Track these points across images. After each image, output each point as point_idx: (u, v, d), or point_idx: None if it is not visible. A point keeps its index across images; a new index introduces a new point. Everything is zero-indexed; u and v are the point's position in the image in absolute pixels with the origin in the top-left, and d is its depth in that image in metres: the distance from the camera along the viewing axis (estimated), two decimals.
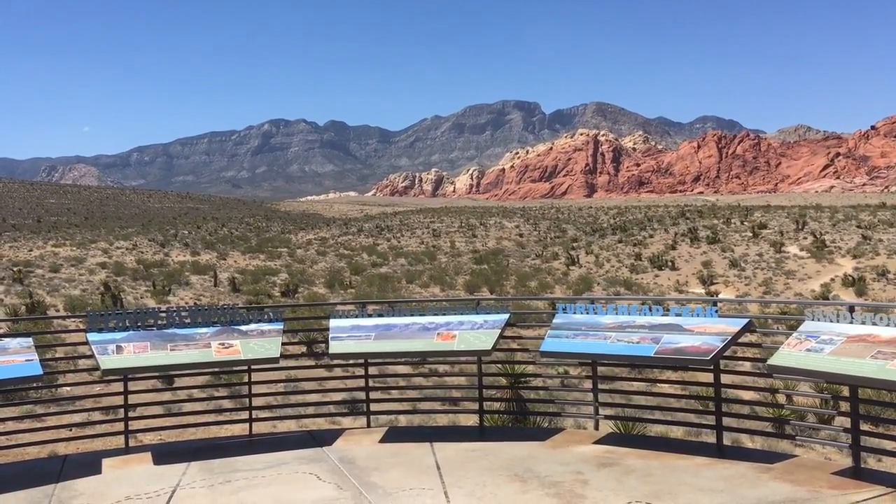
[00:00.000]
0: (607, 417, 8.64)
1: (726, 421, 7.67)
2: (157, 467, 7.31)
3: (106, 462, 7.51)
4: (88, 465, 7.40)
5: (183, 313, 8.43)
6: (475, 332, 8.13)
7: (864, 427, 7.78)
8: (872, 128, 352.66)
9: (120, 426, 8.21)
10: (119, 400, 8.22)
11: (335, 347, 8.20)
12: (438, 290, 48.28)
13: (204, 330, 8.16)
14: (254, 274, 52.25)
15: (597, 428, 8.34)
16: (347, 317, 8.74)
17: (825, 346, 6.45)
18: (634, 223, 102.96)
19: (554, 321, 8.22)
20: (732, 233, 77.23)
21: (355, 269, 58.65)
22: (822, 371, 6.31)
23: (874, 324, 6.50)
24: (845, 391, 7.06)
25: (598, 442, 7.76)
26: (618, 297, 9.13)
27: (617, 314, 8.00)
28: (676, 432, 8.98)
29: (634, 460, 7.07)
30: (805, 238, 69.16)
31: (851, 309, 6.87)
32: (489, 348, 7.91)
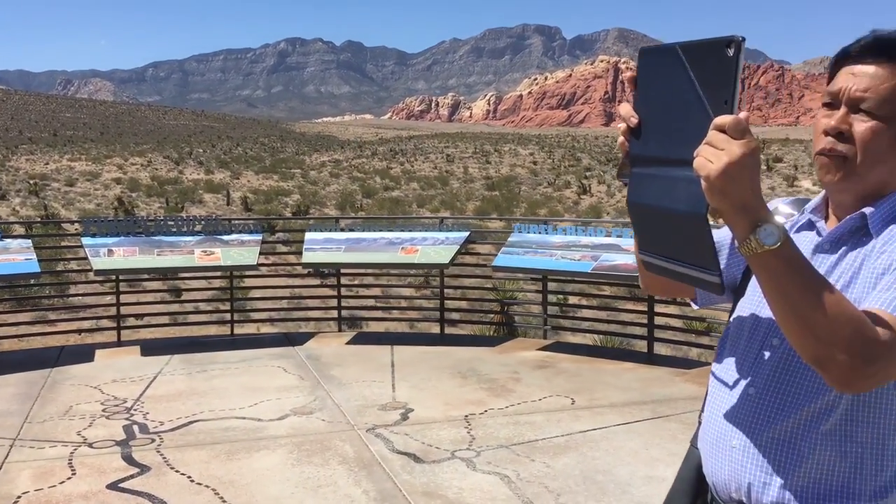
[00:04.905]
0: (555, 328, 9.43)
1: (658, 333, 8.43)
2: (144, 358, 8.20)
3: (99, 353, 8.42)
4: (83, 354, 8.32)
5: (170, 222, 9.21)
6: (436, 247, 8.86)
7: None
8: None
9: (114, 323, 9.10)
10: (116, 299, 9.09)
11: (308, 257, 8.98)
12: (448, 215, 48.99)
13: (189, 238, 8.95)
14: (266, 194, 53.02)
15: (545, 337, 9.13)
16: (322, 230, 9.50)
17: None
18: None
19: (509, 239, 8.94)
20: None
21: (367, 191, 59.27)
22: None
23: None
24: None
25: (543, 349, 8.56)
26: (562, 220, 9.81)
27: (566, 234, 8.70)
28: (619, 343, 9.72)
29: (569, 364, 7.88)
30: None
31: None
32: (446, 262, 8.65)
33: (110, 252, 8.42)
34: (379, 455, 5.39)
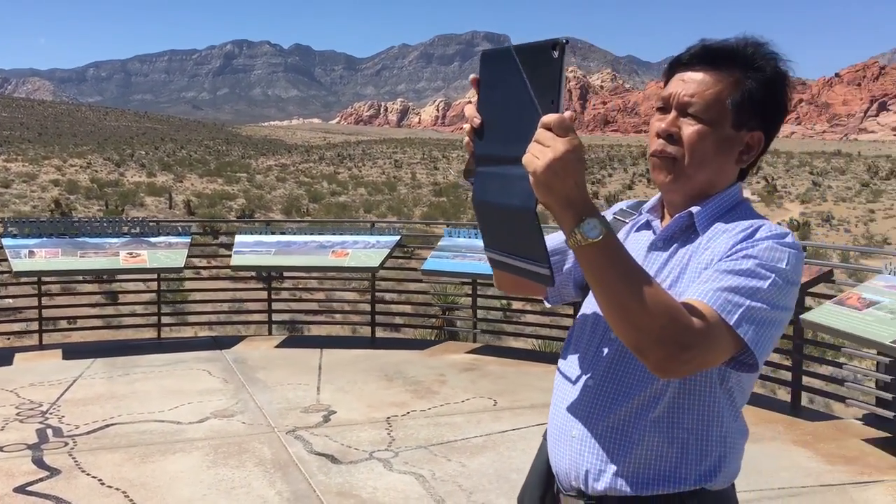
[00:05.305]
0: (484, 331, 9.53)
1: None
2: (65, 361, 8.03)
3: (18, 356, 8.23)
4: (1, 357, 8.11)
5: (95, 223, 9.05)
6: (367, 250, 8.88)
7: None
8: (837, 75, 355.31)
9: (36, 325, 8.90)
10: (38, 302, 8.89)
11: (237, 260, 8.91)
12: (396, 219, 48.86)
13: (115, 240, 8.80)
14: (210, 198, 52.20)
15: (474, 340, 9.23)
16: (253, 233, 9.44)
17: None
18: (595, 162, 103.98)
19: (439, 243, 9.01)
20: None
21: (314, 196, 58.83)
22: None
23: None
24: None
25: (472, 352, 8.64)
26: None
27: None
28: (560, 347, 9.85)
29: (495, 367, 7.97)
30: (758, 182, 70.85)
31: None
32: (377, 265, 8.67)
33: (31, 253, 8.23)
34: (296, 456, 5.39)
